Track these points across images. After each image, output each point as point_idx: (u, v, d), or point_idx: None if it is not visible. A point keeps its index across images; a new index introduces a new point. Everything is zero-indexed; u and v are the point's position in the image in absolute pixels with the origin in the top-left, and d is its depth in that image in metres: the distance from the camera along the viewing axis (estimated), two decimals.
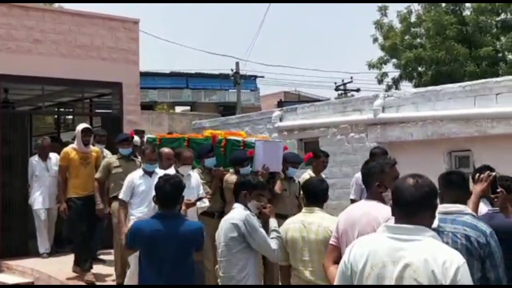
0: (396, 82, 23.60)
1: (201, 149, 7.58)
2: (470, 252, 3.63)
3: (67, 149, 8.47)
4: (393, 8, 32.66)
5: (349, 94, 36.61)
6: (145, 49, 24.61)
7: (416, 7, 22.93)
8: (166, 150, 7.30)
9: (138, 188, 6.96)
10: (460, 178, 3.97)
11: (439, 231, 3.46)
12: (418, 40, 22.70)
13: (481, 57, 20.13)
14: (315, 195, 4.89)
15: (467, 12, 21.60)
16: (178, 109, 39.06)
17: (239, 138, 7.84)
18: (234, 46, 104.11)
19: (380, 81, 24.16)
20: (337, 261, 4.12)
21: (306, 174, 7.87)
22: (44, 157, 9.60)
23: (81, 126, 8.52)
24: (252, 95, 41.96)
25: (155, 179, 5.11)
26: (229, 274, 4.73)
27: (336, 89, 37.23)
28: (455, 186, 3.94)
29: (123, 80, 11.39)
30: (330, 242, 4.24)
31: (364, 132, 10.42)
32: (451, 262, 2.73)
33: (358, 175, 7.22)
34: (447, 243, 3.57)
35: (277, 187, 7.37)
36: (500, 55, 21.13)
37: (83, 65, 10.91)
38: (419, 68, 22.46)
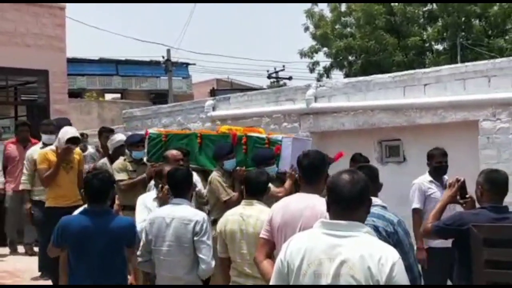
0: (327, 71, 23.94)
1: (220, 149, 6.96)
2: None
3: (45, 150, 7.48)
4: None
5: (281, 82, 36.88)
6: (73, 35, 23.90)
7: None
8: (173, 152, 6.74)
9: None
10: (369, 172, 4.02)
11: None
12: (349, 29, 23.06)
13: (408, 47, 20.67)
14: (255, 188, 4.85)
15: (395, 3, 22.07)
16: (108, 96, 38.27)
17: (263, 135, 7.25)
18: (166, 34, 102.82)
19: (311, 70, 24.47)
20: (269, 255, 4.10)
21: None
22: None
23: (67, 135, 7.30)
24: (184, 83, 41.58)
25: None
26: None
27: (269, 77, 37.44)
28: None
29: (49, 67, 11.03)
30: (261, 235, 4.20)
31: (297, 121, 10.45)
32: (387, 258, 2.75)
33: (420, 180, 6.92)
34: None
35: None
36: (427, 45, 21.75)
37: (6, 52, 10.48)
38: (350, 57, 22.84)
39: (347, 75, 23.13)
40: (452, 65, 10.01)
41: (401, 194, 7.25)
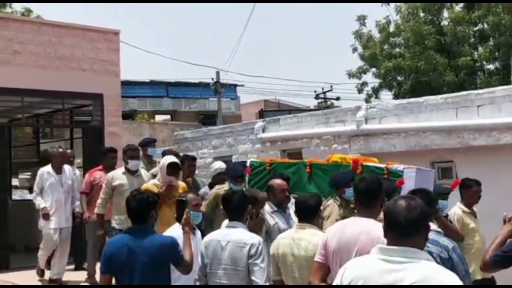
0: (375, 91, 23.76)
1: (340, 177, 6.50)
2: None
3: (149, 184, 6.89)
4: (371, 18, 32.91)
5: (329, 103, 36.79)
6: (125, 59, 24.50)
7: (394, 17, 23.16)
8: (278, 181, 6.38)
9: None
10: (425, 196, 3.97)
11: None
12: (397, 49, 22.90)
13: (459, 67, 20.36)
14: (306, 211, 4.85)
15: (445, 22, 21.85)
16: (158, 118, 38.90)
17: (381, 165, 6.72)
18: (215, 56, 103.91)
19: (360, 91, 24.33)
20: (323, 279, 4.09)
21: (457, 208, 6.68)
22: (58, 169, 8.55)
23: (167, 160, 6.88)
24: (232, 104, 41.95)
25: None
26: None
27: (316, 97, 37.40)
28: None
29: (104, 91, 11.32)
30: (316, 259, 4.17)
31: (347, 143, 10.45)
32: (448, 281, 2.72)
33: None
34: None
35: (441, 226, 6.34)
36: (478, 64, 21.39)
37: (63, 76, 10.83)
38: (398, 78, 22.65)
39: (396, 96, 22.92)
40: (506, 86, 9.86)
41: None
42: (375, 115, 10.11)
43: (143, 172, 7.71)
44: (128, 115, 30.81)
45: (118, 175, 7.52)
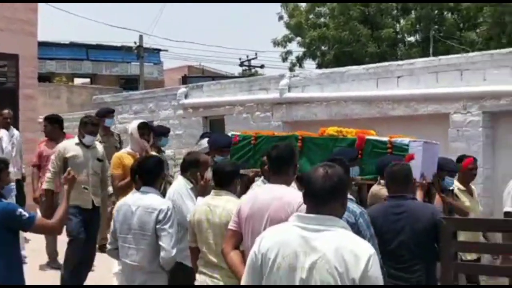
0: (300, 60, 23.90)
1: (343, 154, 5.74)
2: None
3: (121, 153, 6.62)
4: None
5: (253, 70, 36.81)
6: (44, 19, 23.50)
7: None
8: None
9: None
10: (340, 165, 4.07)
11: None
12: (322, 19, 23.04)
13: (382, 38, 20.74)
14: (223, 178, 4.81)
15: None
16: (78, 81, 37.74)
17: (384, 139, 6.10)
18: (138, 20, 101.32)
19: (284, 59, 24.41)
20: (236, 246, 4.07)
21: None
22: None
23: (136, 122, 6.76)
24: (155, 69, 41.19)
25: None
26: None
27: (241, 64, 37.31)
28: None
29: (20, 51, 10.79)
30: (229, 226, 4.15)
31: (270, 111, 10.45)
32: (362, 252, 2.75)
33: None
34: None
35: (438, 202, 5.77)
36: (399, 36, 21.86)
37: None
38: (323, 47, 22.84)
39: (319, 65, 23.15)
40: (425, 58, 10.10)
41: None
42: (298, 83, 10.13)
43: (97, 144, 7.20)
44: (45, 78, 29.69)
45: (71, 146, 6.88)
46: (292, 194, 3.85)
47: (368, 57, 20.46)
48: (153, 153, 6.92)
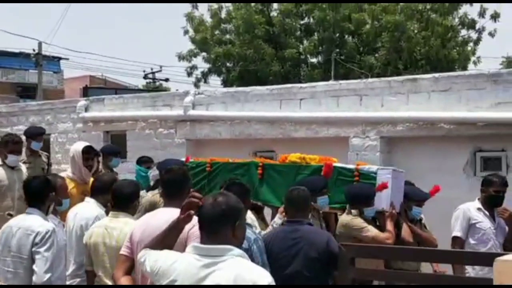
0: (205, 76, 23.91)
1: (312, 183, 5.50)
2: None
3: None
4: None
5: (157, 83, 36.43)
6: None
7: (227, 3, 23.39)
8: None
9: None
10: (240, 189, 4.31)
11: None
12: (228, 36, 23.19)
13: (285, 58, 21.11)
14: (121, 199, 4.67)
15: (274, 14, 22.50)
16: None
17: (351, 166, 5.96)
18: (38, 28, 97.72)
19: (189, 74, 24.34)
20: (128, 272, 3.96)
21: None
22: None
23: (80, 145, 6.08)
24: (55, 77, 39.80)
25: None
26: None
27: (145, 77, 36.82)
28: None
29: None
30: (121, 252, 4.01)
31: (174, 128, 10.34)
32: (260, 280, 2.74)
33: (466, 206, 5.91)
34: None
35: (406, 233, 5.57)
36: (302, 57, 22.34)
37: None
38: (228, 64, 22.97)
39: (225, 82, 23.26)
40: (327, 82, 10.36)
41: None
42: (202, 101, 10.10)
43: (22, 166, 6.64)
44: None
45: None
46: None
47: (272, 76, 20.77)
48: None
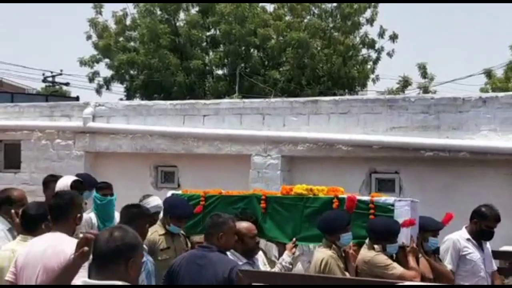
0: (107, 83, 23.36)
1: (336, 219, 5.17)
2: None
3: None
4: (108, 7, 32.25)
5: (57, 87, 35.24)
6: None
7: (132, 10, 23.02)
8: (246, 225, 4.98)
9: None
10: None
11: None
12: (132, 43, 22.80)
13: (191, 69, 21.01)
14: (28, 222, 4.52)
15: (180, 24, 22.36)
16: None
17: (365, 198, 5.54)
18: None
19: (91, 80, 23.69)
20: None
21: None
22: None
23: (68, 180, 5.52)
24: None
25: None
26: None
27: (44, 80, 35.49)
28: None
29: None
30: (6, 277, 3.96)
31: (72, 139, 10.03)
32: None
33: (455, 237, 5.64)
34: None
35: (426, 268, 5.24)
36: (208, 68, 22.32)
37: None
38: (132, 72, 22.57)
39: (128, 89, 22.83)
40: (231, 100, 10.44)
41: None
42: (103, 113, 9.87)
43: None
44: None
45: None
46: (67, 243, 3.76)
47: (176, 86, 20.61)
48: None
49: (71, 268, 3.06)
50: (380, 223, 5.19)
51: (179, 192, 6.33)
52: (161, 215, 5.74)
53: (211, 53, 22.58)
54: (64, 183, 5.49)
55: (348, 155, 8.13)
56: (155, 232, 5.46)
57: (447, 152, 7.54)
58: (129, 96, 22.71)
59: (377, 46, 22.56)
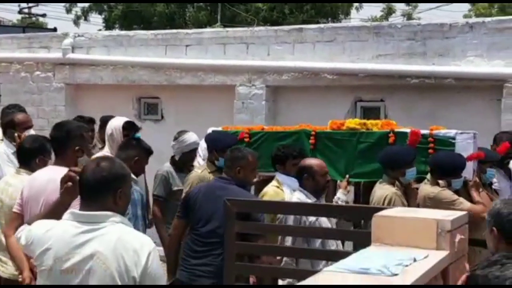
0: (85, 14, 22.81)
1: (402, 154, 5.01)
2: None
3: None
4: None
5: (34, 19, 34.38)
6: None
7: None
8: (316, 161, 4.87)
9: None
10: None
11: None
12: None
13: None
14: (23, 155, 4.59)
15: None
16: None
17: (424, 131, 5.28)
18: None
19: (68, 11, 23.12)
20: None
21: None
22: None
23: (120, 120, 5.33)
24: None
25: None
26: None
27: (20, 12, 34.56)
28: None
29: None
30: (14, 209, 4.05)
31: (52, 71, 9.79)
32: (142, 248, 2.68)
33: None
34: None
35: (488, 203, 4.84)
36: None
37: None
38: (110, 2, 22.01)
39: (106, 20, 22.33)
40: (214, 29, 10.21)
41: (159, 151, 7.10)
42: (82, 44, 9.62)
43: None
44: None
45: None
46: None
47: (156, 16, 20.18)
48: None
49: (58, 206, 3.00)
50: (445, 158, 5.00)
51: (219, 128, 6.09)
52: (200, 152, 5.74)
53: None
54: (116, 124, 5.27)
55: (334, 83, 8.04)
56: (204, 170, 5.32)
57: (433, 79, 7.47)
58: (108, 27, 22.22)
59: None
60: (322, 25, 8.59)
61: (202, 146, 5.78)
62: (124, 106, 9.37)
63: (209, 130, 6.02)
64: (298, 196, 4.66)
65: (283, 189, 5.06)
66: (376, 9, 46.03)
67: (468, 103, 7.46)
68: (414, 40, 7.65)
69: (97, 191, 2.72)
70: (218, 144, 5.36)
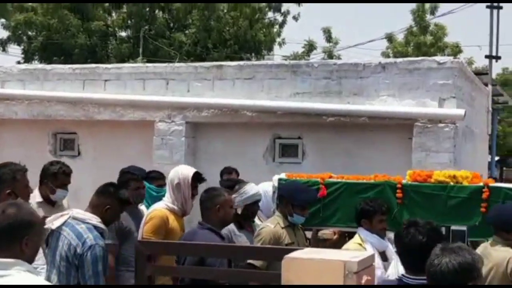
0: (3, 44, 22.17)
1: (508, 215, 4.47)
2: (68, 258, 3.96)
3: (161, 210, 4.85)
4: None
5: None
6: None
7: None
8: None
9: None
10: None
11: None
12: (30, 3, 21.69)
13: (92, 31, 20.31)
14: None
15: None
16: None
17: (504, 185, 5.02)
18: None
19: None
20: None
21: None
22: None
23: (190, 170, 4.96)
24: None
25: None
26: None
27: None
28: None
29: None
30: None
31: None
32: None
33: None
34: (57, 245, 3.98)
35: None
36: (111, 30, 21.64)
37: None
38: (30, 33, 21.53)
39: (25, 52, 21.78)
40: (133, 64, 10.17)
41: (75, 188, 6.85)
42: None
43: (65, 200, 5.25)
44: None
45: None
46: None
47: (78, 48, 19.88)
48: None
49: None
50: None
51: (283, 176, 5.53)
52: (262, 203, 5.34)
53: (114, 14, 21.88)
54: (185, 174, 4.92)
55: (253, 120, 8.12)
56: (277, 224, 4.85)
57: (348, 117, 7.67)
58: (27, 59, 21.68)
59: (283, 9, 22.63)
60: (241, 62, 8.70)
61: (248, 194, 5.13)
62: (40, 142, 9.15)
63: (275, 178, 5.50)
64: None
65: (365, 247, 4.69)
66: (297, 46, 47.18)
67: (381, 141, 7.70)
68: (330, 79, 7.86)
69: (3, 238, 2.65)
70: (297, 198, 4.91)
